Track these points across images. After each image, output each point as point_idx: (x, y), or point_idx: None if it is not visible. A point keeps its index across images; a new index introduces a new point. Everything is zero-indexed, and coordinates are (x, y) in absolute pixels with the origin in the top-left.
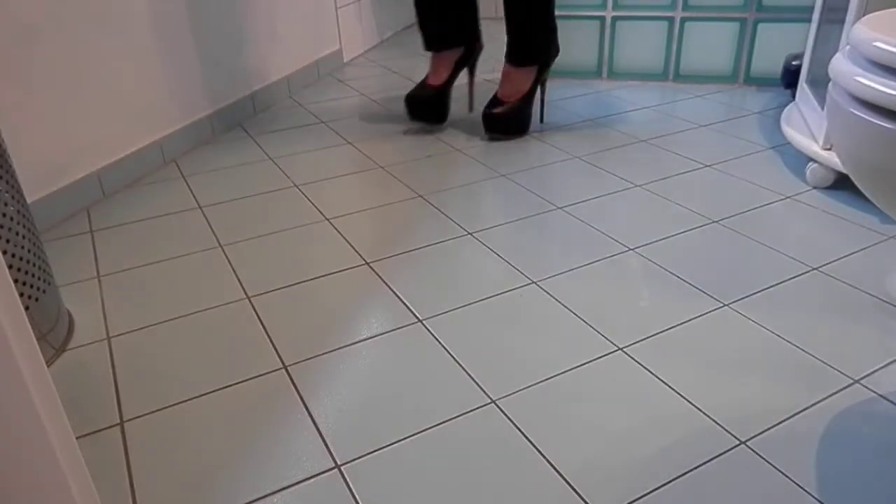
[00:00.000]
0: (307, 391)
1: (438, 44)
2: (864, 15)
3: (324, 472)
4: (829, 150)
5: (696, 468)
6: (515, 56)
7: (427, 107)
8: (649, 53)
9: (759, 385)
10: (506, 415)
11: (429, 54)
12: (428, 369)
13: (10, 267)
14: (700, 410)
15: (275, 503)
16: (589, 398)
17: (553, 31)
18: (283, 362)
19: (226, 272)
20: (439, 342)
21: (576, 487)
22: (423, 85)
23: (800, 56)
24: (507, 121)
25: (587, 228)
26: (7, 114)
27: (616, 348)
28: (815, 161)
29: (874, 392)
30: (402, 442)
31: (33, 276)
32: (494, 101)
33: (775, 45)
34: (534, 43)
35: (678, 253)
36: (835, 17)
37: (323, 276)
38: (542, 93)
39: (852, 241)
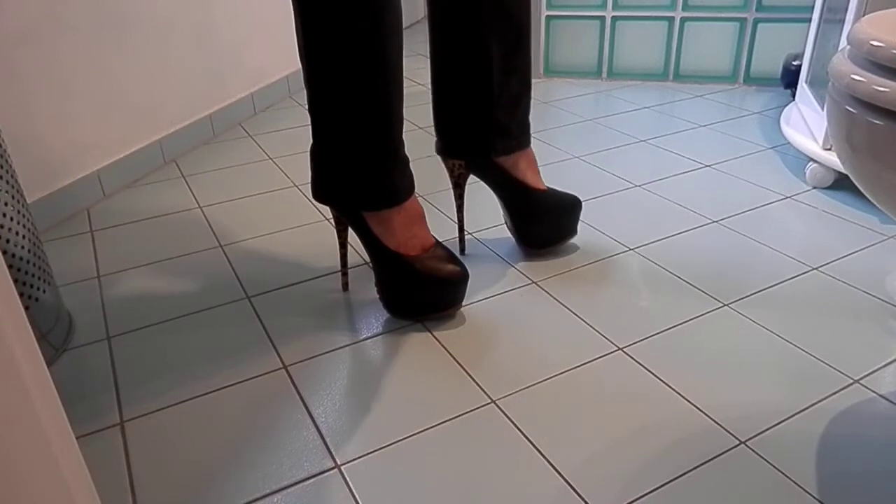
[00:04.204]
0: (307, 391)
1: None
2: (864, 15)
3: (324, 472)
4: (829, 150)
5: (696, 468)
6: (528, 130)
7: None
8: (649, 53)
9: (759, 385)
10: (506, 415)
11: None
12: (427, 369)
13: (10, 267)
14: (700, 410)
15: (275, 503)
16: (589, 398)
17: None
18: (283, 362)
19: (226, 272)
20: (439, 342)
21: (575, 487)
22: (442, 259)
23: (800, 56)
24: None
25: (587, 228)
26: (7, 114)
27: (616, 348)
28: (815, 161)
29: (874, 392)
30: (402, 442)
31: (33, 276)
32: (534, 198)
33: (775, 45)
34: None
35: (678, 253)
36: (835, 17)
37: (323, 275)
38: (461, 205)
39: (852, 241)
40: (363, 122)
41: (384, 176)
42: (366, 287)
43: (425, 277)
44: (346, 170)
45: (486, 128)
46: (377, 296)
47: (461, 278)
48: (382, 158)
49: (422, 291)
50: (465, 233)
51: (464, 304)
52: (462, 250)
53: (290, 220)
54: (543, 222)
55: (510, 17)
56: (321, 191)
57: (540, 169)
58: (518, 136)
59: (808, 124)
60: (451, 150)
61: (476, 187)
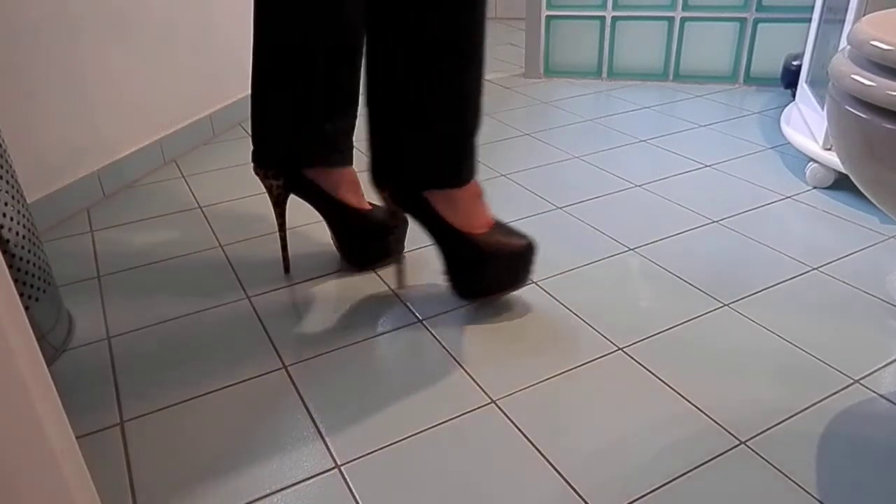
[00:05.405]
0: (307, 391)
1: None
2: (864, 15)
3: (324, 472)
4: (829, 150)
5: (696, 468)
6: (351, 149)
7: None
8: (649, 53)
9: (760, 385)
10: (506, 415)
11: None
12: (428, 369)
13: (10, 267)
14: (700, 410)
15: (275, 503)
16: (589, 398)
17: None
18: (283, 362)
19: (226, 272)
20: (439, 342)
21: (576, 487)
22: (510, 233)
23: (800, 56)
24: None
25: (587, 228)
26: (7, 114)
27: (616, 348)
28: (815, 161)
29: (874, 392)
30: (402, 442)
31: (33, 276)
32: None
33: (775, 45)
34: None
35: (678, 253)
36: (835, 17)
37: (323, 275)
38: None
39: (852, 241)
40: (452, 96)
41: (473, 147)
42: (366, 287)
43: (498, 254)
44: (431, 145)
45: (307, 135)
46: (378, 295)
47: (532, 249)
48: (473, 128)
49: (496, 269)
50: (290, 250)
51: (465, 303)
52: (287, 269)
53: (290, 221)
54: (368, 242)
55: (340, 28)
56: (381, 175)
57: (539, 168)
58: (343, 151)
59: (808, 124)
60: (268, 159)
61: None
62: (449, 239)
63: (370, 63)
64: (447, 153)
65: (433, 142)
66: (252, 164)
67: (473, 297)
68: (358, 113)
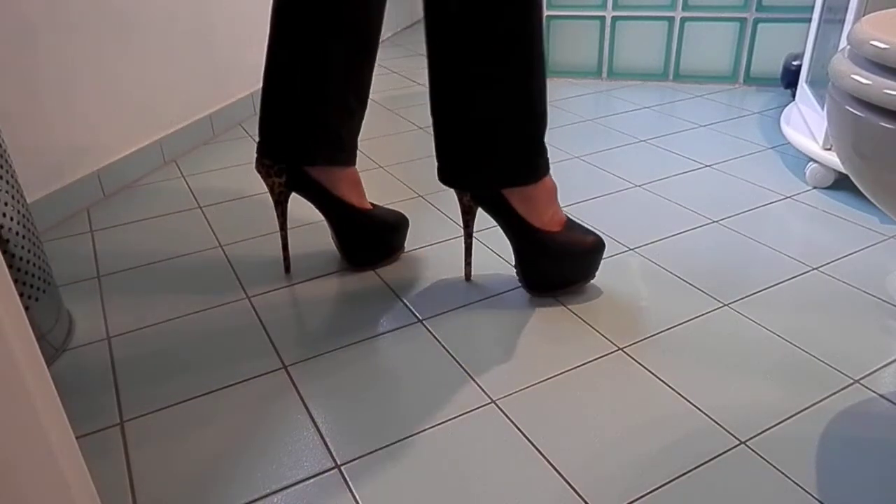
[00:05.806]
0: (307, 391)
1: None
2: (864, 15)
3: (324, 472)
4: (829, 150)
5: (696, 468)
6: (356, 149)
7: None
8: (649, 53)
9: (759, 385)
10: (506, 415)
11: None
12: (428, 369)
13: (10, 267)
14: (700, 410)
15: (275, 503)
16: (589, 398)
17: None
18: (283, 362)
19: (226, 272)
20: (439, 342)
21: (576, 487)
22: (581, 230)
23: (800, 56)
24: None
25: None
26: (7, 114)
27: (616, 348)
28: (815, 161)
29: (874, 392)
30: (402, 442)
31: (33, 276)
32: (355, 217)
33: (775, 45)
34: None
35: (678, 253)
36: (835, 17)
37: (323, 275)
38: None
39: (852, 241)
40: (523, 89)
41: (544, 142)
42: (366, 287)
43: (572, 252)
44: (504, 144)
45: (315, 133)
46: (378, 295)
47: (602, 246)
48: (542, 124)
49: (568, 265)
50: (291, 250)
51: (465, 303)
52: (287, 269)
53: (290, 220)
54: (368, 242)
55: (359, 29)
56: (458, 175)
57: None
58: (348, 151)
59: (808, 124)
60: (274, 153)
61: None
62: (526, 236)
63: (435, 73)
64: (520, 151)
65: (506, 142)
66: (254, 162)
67: (544, 292)
68: (365, 114)
